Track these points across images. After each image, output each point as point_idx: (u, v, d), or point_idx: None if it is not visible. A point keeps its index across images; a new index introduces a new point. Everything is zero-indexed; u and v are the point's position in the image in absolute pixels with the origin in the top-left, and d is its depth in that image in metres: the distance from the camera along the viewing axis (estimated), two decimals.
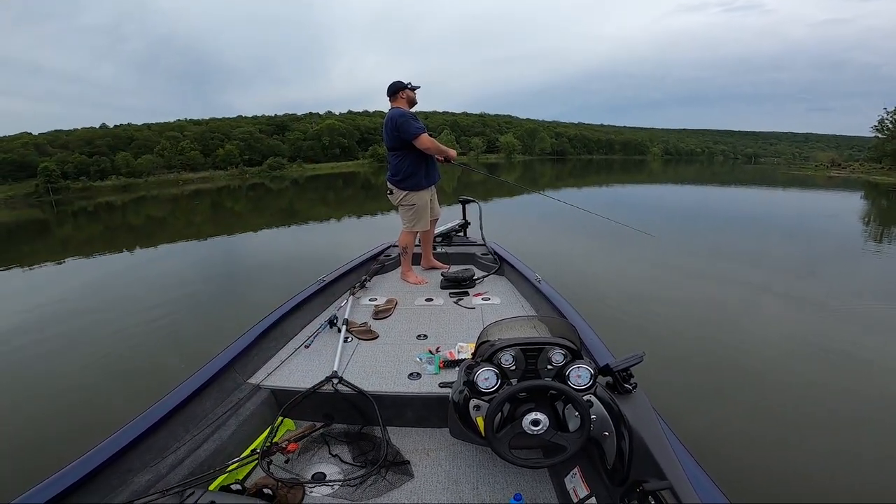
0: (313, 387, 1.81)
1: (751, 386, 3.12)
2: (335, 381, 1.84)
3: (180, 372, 1.78)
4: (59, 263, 9.20)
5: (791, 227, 10.76)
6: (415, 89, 3.17)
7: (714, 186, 25.46)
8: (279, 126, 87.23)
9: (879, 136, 52.06)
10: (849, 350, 3.62)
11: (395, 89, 3.12)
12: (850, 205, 16.76)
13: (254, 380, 1.91)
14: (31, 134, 74.14)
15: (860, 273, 6.31)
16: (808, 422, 2.72)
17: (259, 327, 2.14)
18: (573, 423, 1.24)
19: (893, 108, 51.10)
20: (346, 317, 2.45)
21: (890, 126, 50.27)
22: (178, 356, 3.75)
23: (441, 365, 1.97)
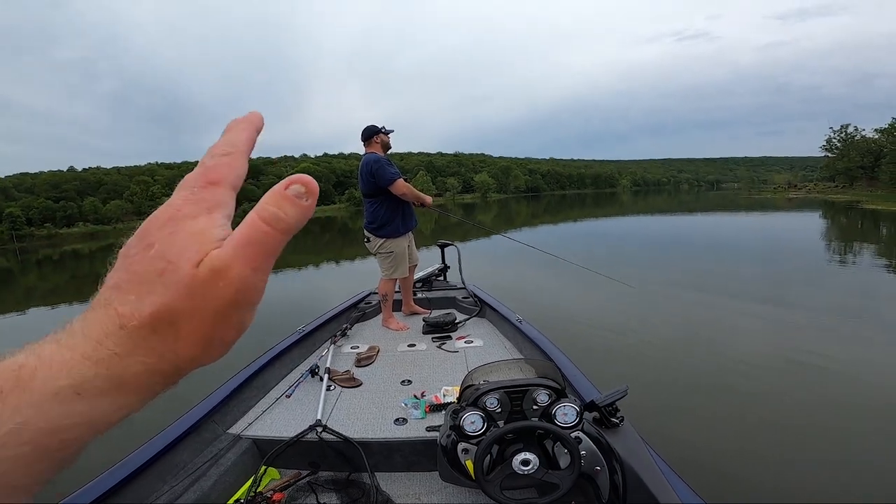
0: (297, 435, 1.78)
1: (735, 406, 3.18)
2: (319, 429, 1.81)
3: (156, 423, 1.74)
4: (22, 314, 8.83)
5: (759, 249, 11.28)
6: (389, 133, 3.24)
7: (683, 215, 26.55)
8: (253, 169, 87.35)
9: (829, 155, 55.46)
10: (824, 363, 3.77)
11: (370, 134, 3.17)
12: (812, 223, 17.75)
13: (234, 430, 1.87)
14: None
15: (829, 288, 6.65)
16: (796, 436, 2.79)
17: (238, 378, 2.11)
18: (564, 460, 1.26)
19: (839, 127, 54.80)
20: (327, 365, 2.43)
21: (838, 144, 53.69)
22: (153, 408, 3.61)
23: (427, 409, 1.96)
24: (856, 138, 51.90)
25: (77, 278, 16.22)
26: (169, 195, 0.23)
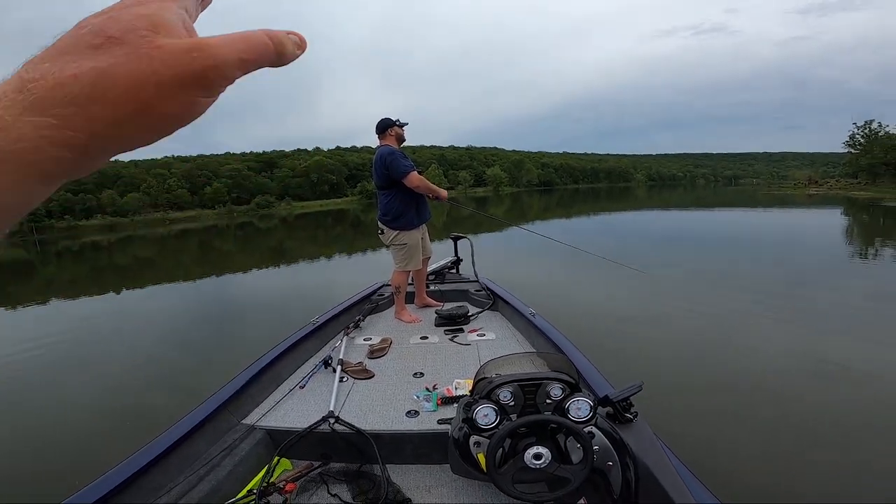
0: (310, 426, 1.80)
1: (751, 405, 3.13)
2: (332, 420, 1.83)
3: (171, 413, 1.77)
4: (44, 304, 9.05)
5: (779, 246, 11.03)
6: (403, 126, 3.23)
7: (700, 210, 26.09)
8: (267, 163, 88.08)
9: (852, 151, 54.07)
10: (846, 363, 3.68)
11: (384, 126, 3.17)
12: (833, 221, 17.31)
13: (248, 420, 1.89)
14: None
15: (850, 288, 6.44)
16: (811, 437, 2.74)
17: (252, 369, 2.13)
18: (576, 455, 1.25)
19: (863, 123, 53.29)
20: (340, 357, 2.44)
21: (861, 140, 52.31)
22: (169, 398, 3.69)
23: (439, 402, 1.97)
24: (880, 134, 50.51)
25: (96, 269, 16.56)
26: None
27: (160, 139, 0.21)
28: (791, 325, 4.79)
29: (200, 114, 0.22)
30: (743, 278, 7.07)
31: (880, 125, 51.60)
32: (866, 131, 52.20)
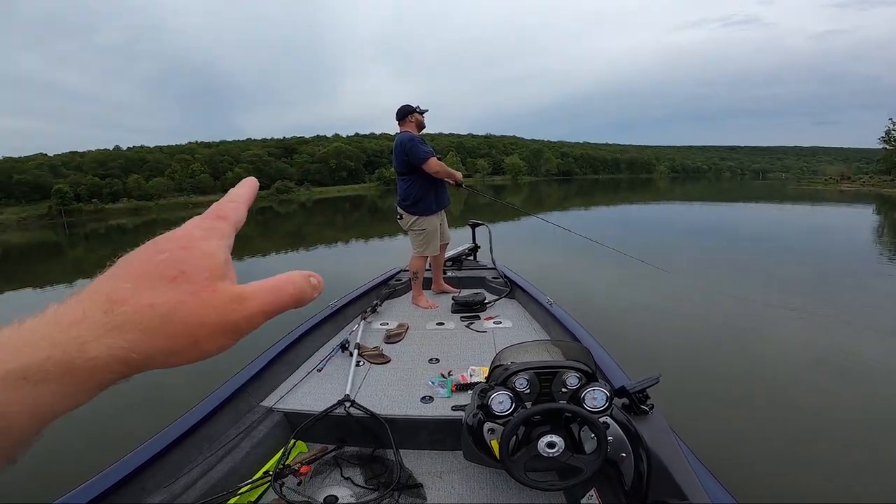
0: (326, 410, 1.81)
1: (770, 404, 3.06)
2: (347, 404, 1.84)
3: (192, 394, 1.81)
4: (71, 286, 9.32)
5: (804, 242, 10.69)
6: (423, 113, 3.21)
7: (722, 203, 25.40)
8: (287, 149, 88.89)
9: (887, 147, 51.92)
10: (869, 362, 3.58)
11: (405, 113, 3.16)
12: (863, 219, 16.70)
13: (266, 402, 1.92)
14: (46, 155, 76.46)
15: (877, 288, 6.22)
16: (828, 434, 2.68)
17: (272, 351, 2.16)
18: (589, 445, 1.24)
19: None
20: (357, 341, 2.46)
21: None
22: (188, 378, 3.77)
23: (453, 388, 1.97)
24: None
25: (122, 251, 16.95)
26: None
27: (192, 363, 0.24)
28: (813, 322, 4.66)
29: (228, 348, 0.24)
30: (766, 275, 6.89)
31: None
32: None
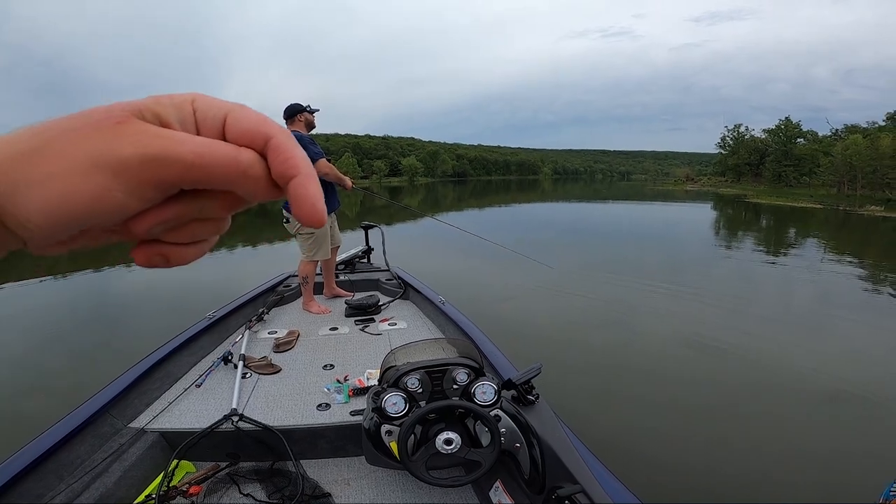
0: (211, 426, 1.68)
1: (642, 383, 3.45)
2: (235, 418, 1.72)
3: (48, 419, 1.57)
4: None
5: (661, 236, 12.79)
6: (314, 112, 3.09)
7: (597, 202, 28.64)
8: None
9: (722, 151, 61.46)
10: (721, 339, 4.26)
11: (293, 112, 3.02)
12: (704, 214, 20.21)
13: (137, 423, 1.73)
14: None
15: (718, 271, 7.56)
16: (697, 411, 3.08)
17: (140, 367, 1.94)
18: (486, 438, 1.29)
19: (732, 126, 60.78)
20: (242, 352, 2.30)
21: (730, 142, 59.66)
22: (43, 403, 3.22)
23: (350, 393, 1.93)
24: (746, 137, 57.42)
25: None
26: None
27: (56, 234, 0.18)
28: (673, 305, 5.44)
29: (123, 211, 0.18)
30: (630, 265, 7.92)
31: (747, 129, 59.08)
32: (735, 134, 59.47)
